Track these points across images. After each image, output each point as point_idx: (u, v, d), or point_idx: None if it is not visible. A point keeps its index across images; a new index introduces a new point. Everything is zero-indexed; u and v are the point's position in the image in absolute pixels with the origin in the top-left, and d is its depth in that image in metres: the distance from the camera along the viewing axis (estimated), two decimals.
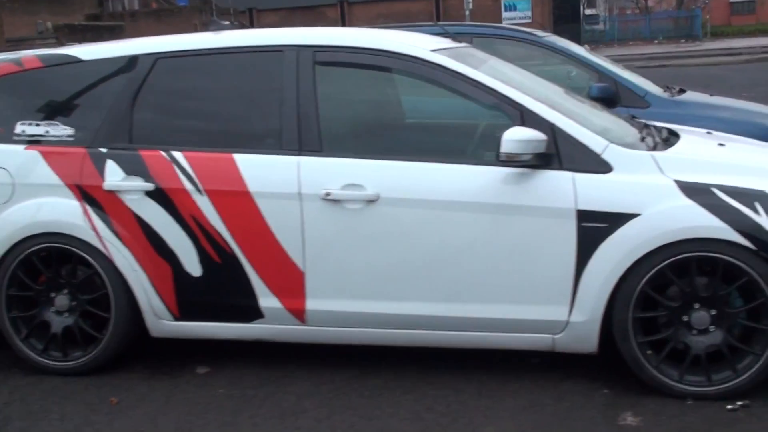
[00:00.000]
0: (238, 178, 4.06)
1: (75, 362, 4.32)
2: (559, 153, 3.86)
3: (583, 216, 3.79)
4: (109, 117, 4.27)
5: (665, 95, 6.75)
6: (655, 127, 4.65)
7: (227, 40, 4.37)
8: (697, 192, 3.75)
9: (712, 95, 7.29)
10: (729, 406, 3.71)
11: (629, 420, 3.65)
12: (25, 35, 26.60)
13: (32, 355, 4.33)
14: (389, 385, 4.07)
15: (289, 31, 4.40)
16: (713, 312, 3.79)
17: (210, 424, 3.74)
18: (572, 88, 6.62)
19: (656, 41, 42.37)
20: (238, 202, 4.06)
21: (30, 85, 4.45)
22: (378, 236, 3.97)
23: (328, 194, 3.96)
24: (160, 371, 4.34)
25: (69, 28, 26.74)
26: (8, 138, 4.37)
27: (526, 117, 3.90)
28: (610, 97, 6.50)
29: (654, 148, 4.05)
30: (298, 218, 4.01)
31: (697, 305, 3.80)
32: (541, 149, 3.79)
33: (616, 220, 3.77)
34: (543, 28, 8.02)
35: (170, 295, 4.20)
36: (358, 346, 4.21)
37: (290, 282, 4.08)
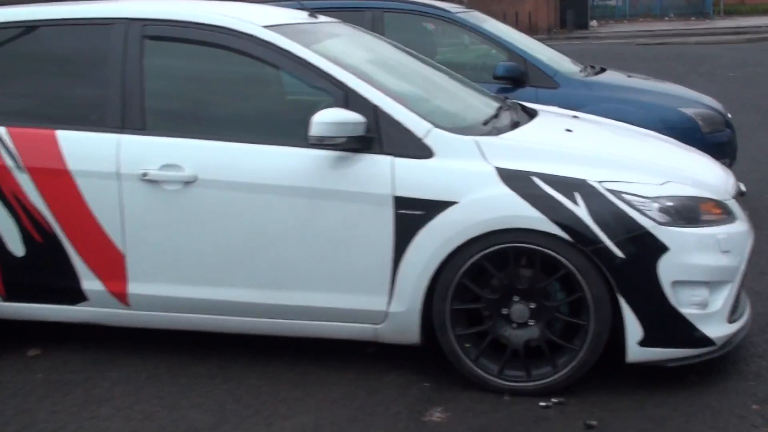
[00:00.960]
0: (59, 155, 3.93)
1: None
2: (381, 136, 3.70)
3: (401, 203, 3.63)
4: None
5: (577, 76, 6.55)
6: (514, 108, 4.47)
7: (57, 12, 4.21)
8: (516, 180, 3.58)
9: (630, 76, 7.07)
10: (542, 403, 3.58)
11: (435, 416, 3.51)
12: None
13: None
14: (212, 373, 3.95)
15: (120, 4, 4.24)
16: (532, 305, 3.64)
17: (7, 411, 3.64)
18: (487, 66, 6.45)
19: (667, 18, 41.68)
20: (58, 180, 3.93)
21: None
22: (197, 219, 3.84)
23: (145, 174, 3.83)
24: None
25: None
26: None
27: (350, 97, 3.74)
28: (517, 76, 6.35)
29: (489, 133, 3.87)
30: (117, 199, 3.88)
31: (516, 298, 3.64)
32: (358, 132, 3.63)
33: (434, 207, 3.61)
34: (462, 3, 7.78)
35: None
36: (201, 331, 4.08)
37: (111, 264, 3.96)
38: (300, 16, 4.43)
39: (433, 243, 3.61)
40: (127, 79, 3.93)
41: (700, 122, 6.22)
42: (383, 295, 3.72)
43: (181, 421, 3.51)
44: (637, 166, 3.77)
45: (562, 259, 3.54)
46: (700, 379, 3.75)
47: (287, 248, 3.77)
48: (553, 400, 3.59)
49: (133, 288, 3.96)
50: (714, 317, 3.65)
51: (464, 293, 3.65)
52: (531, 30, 48.86)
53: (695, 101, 6.51)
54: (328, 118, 3.57)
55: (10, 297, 4.12)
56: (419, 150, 3.67)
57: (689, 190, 3.70)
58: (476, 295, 3.66)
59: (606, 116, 6.12)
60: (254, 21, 3.96)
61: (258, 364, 4.01)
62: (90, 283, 4.00)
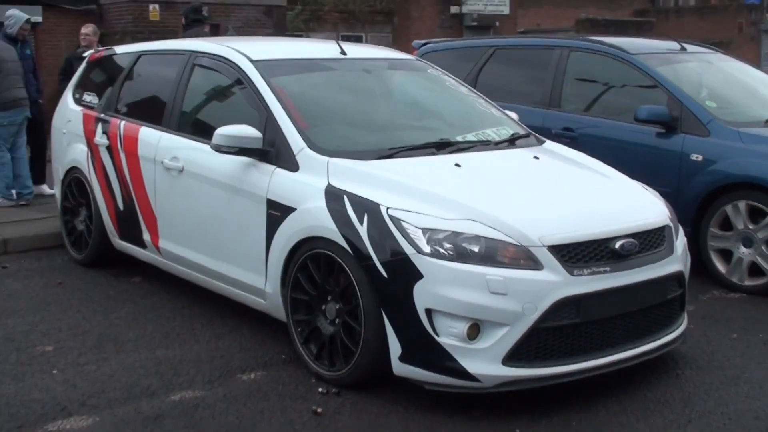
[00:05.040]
0: (136, 143, 5.63)
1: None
2: (276, 150, 4.61)
3: (270, 204, 4.54)
4: (110, 92, 6.17)
5: (739, 127, 6.10)
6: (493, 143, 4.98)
7: (155, 45, 5.97)
8: (333, 197, 4.23)
9: None
10: (321, 389, 4.18)
11: (251, 375, 4.36)
12: (563, 26, 28.74)
13: None
14: (193, 313, 5.27)
15: (187, 41, 5.76)
16: (338, 306, 4.23)
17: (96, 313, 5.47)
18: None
19: None
20: (135, 160, 5.63)
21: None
22: (183, 197, 5.21)
23: (162, 162, 5.32)
24: (117, 275, 6.11)
25: (591, 22, 28.35)
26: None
27: (269, 119, 4.72)
28: (664, 120, 6.26)
29: (362, 157, 4.44)
30: (153, 177, 5.44)
31: (329, 297, 4.27)
32: (253, 145, 4.60)
33: (285, 211, 4.44)
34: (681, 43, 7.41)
35: (114, 221, 5.96)
36: None
37: (152, 223, 5.53)
38: (331, 52, 5.40)
39: (283, 240, 4.44)
40: (178, 93, 5.45)
41: None
42: (263, 277, 4.64)
43: (112, 328, 4.96)
44: (443, 202, 4.05)
45: (348, 270, 4.10)
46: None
47: (219, 228, 4.93)
48: (334, 390, 4.16)
49: (162, 243, 5.48)
50: (480, 354, 3.84)
51: (300, 286, 4.40)
52: None
53: None
54: (225, 132, 4.63)
55: (122, 237, 5.95)
56: (292, 164, 4.52)
57: (484, 230, 3.91)
58: (306, 290, 4.38)
59: (746, 169, 5.80)
60: (250, 54, 5.12)
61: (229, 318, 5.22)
62: (146, 234, 5.63)
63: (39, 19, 18.51)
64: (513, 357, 3.87)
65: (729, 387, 4.28)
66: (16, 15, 8.81)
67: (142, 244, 5.69)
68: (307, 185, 4.39)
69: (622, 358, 4.13)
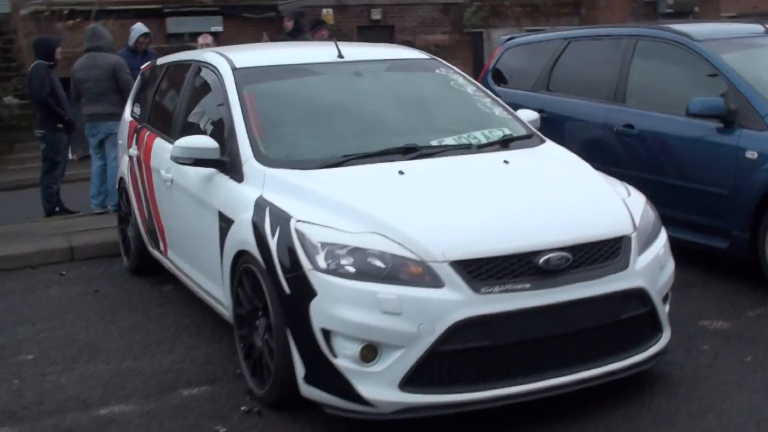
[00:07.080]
0: (150, 155, 5.74)
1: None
2: (231, 160, 4.51)
3: (220, 216, 4.45)
4: (144, 104, 6.34)
5: None
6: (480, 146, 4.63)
7: (174, 57, 6.04)
8: (259, 208, 4.06)
9: None
10: (243, 408, 4.04)
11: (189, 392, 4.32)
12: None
13: None
14: (195, 323, 5.31)
15: (194, 52, 5.76)
16: (265, 322, 4.06)
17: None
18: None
19: None
20: (150, 173, 5.75)
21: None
22: (174, 207, 5.25)
23: (159, 173, 5.38)
24: (154, 283, 6.27)
25: None
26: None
27: (228, 127, 4.64)
28: (719, 114, 5.55)
29: (304, 167, 4.22)
30: (157, 188, 5.53)
31: (260, 313, 4.11)
32: (208, 156, 4.53)
33: (228, 223, 4.34)
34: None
35: (145, 230, 6.12)
36: None
37: (162, 232, 5.62)
38: (328, 55, 5.19)
39: (227, 254, 4.34)
40: (181, 103, 5.50)
41: None
42: (221, 289, 4.56)
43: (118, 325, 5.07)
44: (354, 214, 3.77)
45: (263, 284, 3.93)
46: None
47: (193, 238, 4.93)
48: (256, 408, 4.01)
49: (169, 252, 5.56)
50: (375, 378, 3.57)
51: (239, 301, 4.26)
52: None
53: None
54: (182, 143, 4.59)
55: (152, 247, 6.09)
56: (239, 175, 4.39)
57: (387, 245, 3.62)
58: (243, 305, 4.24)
59: None
60: (235, 62, 5.02)
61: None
62: (161, 244, 5.73)
63: (220, 28, 19.51)
64: (411, 382, 3.54)
65: (692, 420, 3.72)
66: (136, 28, 9.43)
67: (162, 253, 5.80)
68: (245, 197, 4.25)
69: (550, 385, 3.67)
